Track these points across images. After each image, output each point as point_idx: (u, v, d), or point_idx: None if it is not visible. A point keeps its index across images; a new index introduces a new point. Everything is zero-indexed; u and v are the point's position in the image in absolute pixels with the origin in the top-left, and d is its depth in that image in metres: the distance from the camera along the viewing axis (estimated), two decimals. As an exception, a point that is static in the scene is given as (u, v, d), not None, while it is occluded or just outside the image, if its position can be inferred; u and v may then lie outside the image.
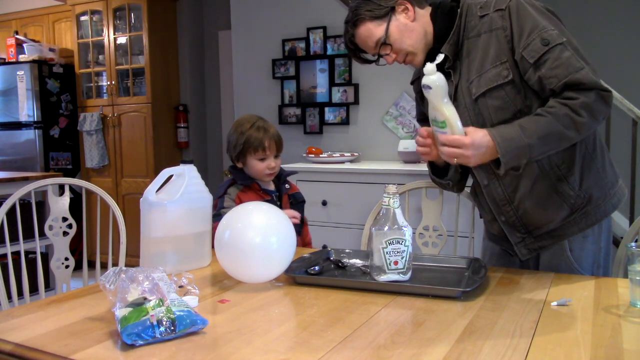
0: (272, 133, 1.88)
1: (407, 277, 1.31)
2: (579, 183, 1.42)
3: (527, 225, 1.49)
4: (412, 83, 1.72)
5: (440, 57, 1.37)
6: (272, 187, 1.93)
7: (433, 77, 1.30)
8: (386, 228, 1.30)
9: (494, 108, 1.40)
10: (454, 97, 1.47)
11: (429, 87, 1.31)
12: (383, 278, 1.30)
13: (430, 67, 1.31)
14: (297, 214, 1.84)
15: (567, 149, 1.39)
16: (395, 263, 1.29)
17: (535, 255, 1.52)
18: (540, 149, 1.32)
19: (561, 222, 1.45)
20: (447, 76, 1.44)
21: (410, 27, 1.45)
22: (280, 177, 1.94)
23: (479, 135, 1.29)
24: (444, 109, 1.31)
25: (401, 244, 1.30)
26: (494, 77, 1.38)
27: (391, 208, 1.33)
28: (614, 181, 1.49)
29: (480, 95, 1.41)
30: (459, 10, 1.44)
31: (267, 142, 1.85)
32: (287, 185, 1.96)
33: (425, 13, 1.47)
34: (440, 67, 1.37)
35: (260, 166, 1.87)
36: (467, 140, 1.29)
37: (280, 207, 1.88)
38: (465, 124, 1.41)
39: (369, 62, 1.56)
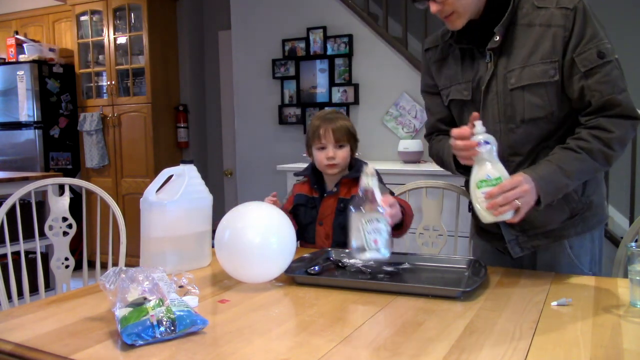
0: (333, 122, 1.78)
1: (387, 254, 1.32)
2: (582, 188, 1.43)
3: (523, 224, 1.45)
4: (426, 50, 1.61)
5: (495, 41, 1.37)
6: (331, 187, 1.81)
7: (488, 133, 1.25)
8: (365, 208, 1.31)
9: (530, 104, 1.38)
10: (488, 82, 1.43)
11: (488, 143, 1.25)
12: (364, 257, 1.32)
13: (481, 126, 1.26)
14: (392, 203, 1.44)
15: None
16: (375, 242, 1.30)
17: (527, 253, 1.52)
18: (575, 184, 1.35)
19: (560, 224, 1.45)
20: (482, 57, 1.43)
21: None
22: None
23: (524, 176, 1.26)
24: (500, 165, 1.26)
25: (380, 222, 1.30)
26: (540, 74, 1.36)
27: (370, 188, 1.32)
28: (606, 192, 1.52)
29: (519, 87, 1.38)
30: None
31: (323, 130, 1.76)
32: (335, 189, 1.79)
33: None
34: (477, 45, 1.40)
35: (320, 156, 1.78)
36: (519, 177, 1.25)
37: (317, 209, 1.79)
38: (492, 112, 1.44)
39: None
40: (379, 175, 1.49)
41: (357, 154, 1.87)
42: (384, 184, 1.74)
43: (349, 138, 1.79)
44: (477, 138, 1.25)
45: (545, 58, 1.35)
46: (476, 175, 1.27)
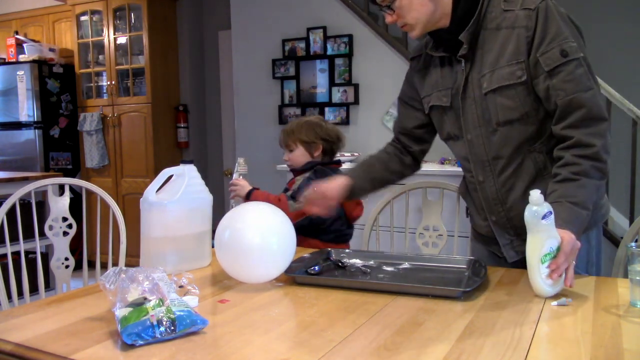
0: (284, 130, 2.11)
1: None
2: None
3: (517, 227, 1.46)
4: (411, 59, 1.64)
5: (464, 48, 1.39)
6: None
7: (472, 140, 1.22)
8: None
9: (502, 107, 1.39)
10: (464, 88, 1.45)
11: (551, 213, 1.19)
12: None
13: (539, 195, 1.20)
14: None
15: None
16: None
17: (522, 257, 1.47)
18: (591, 209, 1.32)
19: None
20: (458, 63, 1.45)
21: (422, 2, 1.40)
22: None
23: (566, 239, 1.23)
24: (555, 231, 1.21)
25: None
26: (507, 76, 1.37)
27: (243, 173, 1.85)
28: (601, 194, 1.49)
29: (490, 91, 1.40)
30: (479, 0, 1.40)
31: (279, 138, 2.12)
32: (287, 186, 2.02)
33: None
34: (452, 52, 1.42)
35: None
36: (564, 236, 1.23)
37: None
38: (472, 117, 1.45)
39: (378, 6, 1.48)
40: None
41: (338, 153, 2.16)
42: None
43: (295, 141, 2.05)
44: (539, 210, 1.19)
45: (511, 60, 1.36)
46: (539, 249, 1.20)
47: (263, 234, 1.32)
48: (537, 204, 1.19)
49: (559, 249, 1.21)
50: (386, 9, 1.43)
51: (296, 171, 2.06)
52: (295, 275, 1.38)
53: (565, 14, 1.37)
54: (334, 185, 1.58)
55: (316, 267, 1.44)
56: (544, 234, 1.20)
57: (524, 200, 1.38)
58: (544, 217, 1.18)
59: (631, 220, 3.05)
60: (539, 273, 1.20)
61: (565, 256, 1.21)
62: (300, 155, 2.05)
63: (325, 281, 1.36)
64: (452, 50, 1.45)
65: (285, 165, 2.00)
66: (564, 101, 1.32)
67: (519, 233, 1.47)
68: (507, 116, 1.39)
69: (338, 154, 2.08)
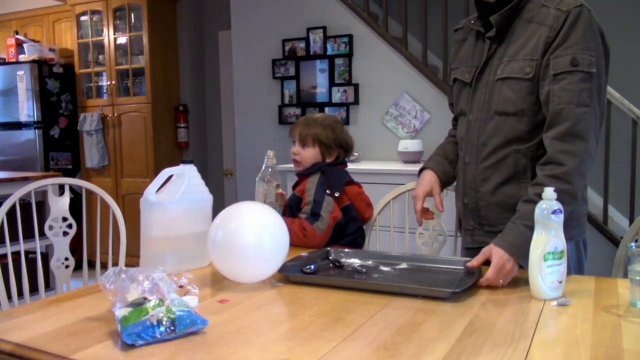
0: (308, 126, 1.91)
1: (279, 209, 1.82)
2: None
3: (482, 217, 1.50)
4: (455, 30, 1.66)
5: (492, 31, 1.41)
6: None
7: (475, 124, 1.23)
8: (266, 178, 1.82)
9: (503, 97, 1.42)
10: (482, 69, 1.47)
11: (562, 212, 1.19)
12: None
13: (551, 191, 1.20)
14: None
15: None
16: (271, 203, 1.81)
17: (478, 247, 1.47)
18: None
19: None
20: (484, 42, 1.47)
21: None
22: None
23: (497, 252, 1.28)
24: (562, 234, 1.21)
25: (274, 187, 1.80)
26: (517, 69, 1.38)
27: (272, 166, 1.83)
28: (582, 212, 1.48)
29: (500, 79, 1.42)
30: None
31: (296, 127, 1.94)
32: (295, 192, 1.91)
33: None
34: (486, 31, 1.43)
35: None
36: (496, 256, 1.27)
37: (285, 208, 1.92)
38: (479, 99, 1.48)
39: None
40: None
41: (347, 160, 2.01)
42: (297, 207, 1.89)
43: (314, 139, 1.89)
44: (549, 205, 1.19)
45: (527, 55, 1.38)
46: (543, 245, 1.20)
47: (256, 233, 1.32)
48: (547, 200, 1.20)
49: (563, 251, 1.21)
50: None
51: (302, 175, 1.92)
52: (289, 274, 1.38)
53: (599, 28, 1.35)
54: (427, 183, 1.59)
55: (312, 266, 1.44)
56: (551, 231, 1.20)
57: (496, 195, 1.46)
58: (553, 212, 1.19)
59: (631, 220, 3.05)
60: (539, 271, 1.20)
61: (496, 271, 1.25)
62: (313, 156, 1.89)
63: (319, 280, 1.36)
64: (486, 29, 1.46)
65: (286, 166, 1.96)
66: (555, 109, 1.32)
67: (483, 224, 1.52)
68: (505, 107, 1.42)
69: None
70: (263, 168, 1.88)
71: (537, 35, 1.36)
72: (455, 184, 1.67)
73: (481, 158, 1.49)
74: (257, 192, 1.87)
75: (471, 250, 1.55)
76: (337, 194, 1.79)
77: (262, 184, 1.85)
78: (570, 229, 1.39)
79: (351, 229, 1.85)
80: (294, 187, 1.94)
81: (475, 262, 1.32)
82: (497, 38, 1.44)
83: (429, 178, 1.61)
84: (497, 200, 1.47)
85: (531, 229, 1.23)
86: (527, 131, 1.41)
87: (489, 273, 1.26)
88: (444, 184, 1.64)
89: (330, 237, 1.77)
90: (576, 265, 1.51)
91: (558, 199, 1.21)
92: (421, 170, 1.67)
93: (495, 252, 1.28)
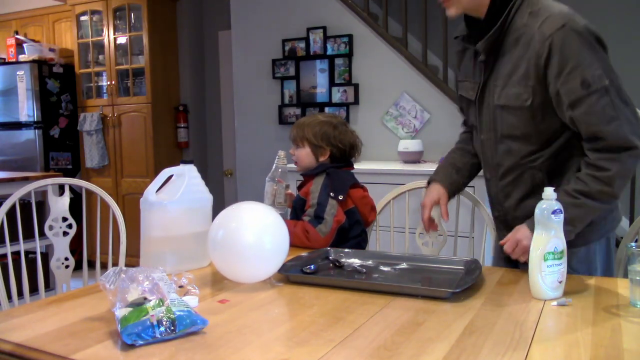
0: (300, 124, 1.94)
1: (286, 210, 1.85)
2: None
3: (512, 228, 1.46)
4: (455, 37, 1.62)
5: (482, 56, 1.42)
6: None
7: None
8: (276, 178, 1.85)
9: (506, 123, 1.42)
10: (481, 92, 1.47)
11: (561, 211, 1.20)
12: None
13: (551, 191, 1.20)
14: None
15: (564, 173, 1.42)
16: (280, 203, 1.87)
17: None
18: (579, 228, 1.35)
19: None
20: (481, 67, 1.45)
21: None
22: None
23: (522, 231, 1.36)
24: (562, 233, 1.21)
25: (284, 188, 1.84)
26: (514, 96, 1.37)
27: (282, 167, 1.84)
28: (614, 206, 1.49)
29: (501, 105, 1.42)
30: (510, 4, 1.36)
31: (291, 130, 1.97)
32: (299, 193, 1.91)
33: None
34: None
35: None
36: (519, 236, 1.36)
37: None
38: (486, 120, 1.49)
39: None
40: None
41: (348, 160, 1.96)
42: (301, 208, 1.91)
43: (304, 139, 1.90)
44: (549, 205, 1.19)
45: (520, 81, 1.36)
46: (543, 245, 1.20)
47: (256, 233, 1.32)
48: (547, 200, 1.20)
49: (563, 252, 1.21)
50: None
51: (306, 175, 1.91)
52: (289, 274, 1.38)
53: (588, 34, 1.30)
54: (435, 193, 1.63)
55: (312, 266, 1.44)
56: (551, 231, 1.20)
57: (519, 209, 1.48)
58: (553, 212, 1.19)
59: (631, 220, 3.05)
60: (539, 270, 1.20)
61: (511, 244, 1.35)
62: (305, 156, 1.90)
63: (319, 280, 1.37)
64: (476, 53, 1.46)
65: (288, 165, 1.95)
66: (587, 131, 1.32)
67: (503, 206, 1.56)
68: (510, 131, 1.42)
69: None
70: (273, 168, 1.88)
71: (525, 59, 1.34)
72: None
73: (499, 176, 1.51)
74: (266, 192, 1.89)
75: (509, 259, 1.49)
76: (341, 197, 1.77)
77: (272, 184, 1.86)
78: (603, 225, 1.43)
79: (354, 232, 1.84)
80: (299, 188, 1.93)
81: (505, 239, 1.39)
82: (489, 60, 1.42)
83: (437, 189, 1.65)
84: (521, 213, 1.47)
85: (569, 222, 1.26)
86: (538, 149, 1.42)
87: (506, 245, 1.37)
88: (452, 193, 1.68)
89: (334, 240, 1.75)
90: (605, 260, 1.49)
91: (597, 198, 1.27)
92: (429, 182, 1.70)
93: (519, 229, 1.36)
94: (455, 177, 1.66)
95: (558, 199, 1.25)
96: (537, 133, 1.39)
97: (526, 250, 1.28)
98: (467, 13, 1.44)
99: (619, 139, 1.29)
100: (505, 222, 1.56)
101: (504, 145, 1.46)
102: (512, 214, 1.52)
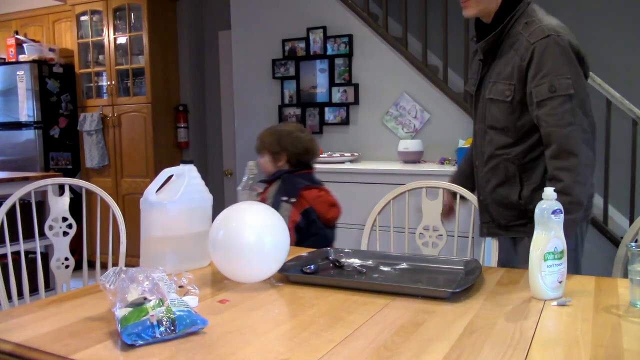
0: (261, 132, 2.15)
1: None
2: (529, 196, 1.61)
3: (491, 214, 1.73)
4: (472, 39, 1.77)
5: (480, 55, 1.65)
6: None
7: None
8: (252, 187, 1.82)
9: (492, 115, 1.64)
10: (478, 86, 1.69)
11: (561, 211, 1.21)
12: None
13: (551, 191, 1.22)
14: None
15: (533, 169, 1.60)
16: None
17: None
18: (572, 237, 1.49)
19: (511, 222, 1.68)
20: (480, 65, 1.67)
21: None
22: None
23: None
24: (562, 233, 1.21)
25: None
26: (500, 92, 1.59)
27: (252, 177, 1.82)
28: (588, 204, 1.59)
29: (488, 98, 1.64)
30: (511, 14, 1.56)
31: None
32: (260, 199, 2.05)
33: None
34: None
35: None
36: None
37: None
38: (479, 112, 1.70)
39: None
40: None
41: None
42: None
43: (263, 148, 2.10)
44: (549, 205, 1.20)
45: (506, 79, 1.57)
46: (543, 245, 1.20)
47: (257, 233, 1.32)
48: (547, 200, 1.20)
49: (563, 252, 1.21)
50: None
51: (266, 182, 2.10)
52: (290, 274, 1.38)
53: (569, 47, 1.48)
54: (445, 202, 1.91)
55: (312, 266, 1.44)
56: (551, 231, 1.20)
57: (494, 195, 1.70)
58: (553, 212, 1.20)
59: (631, 220, 3.05)
60: (539, 270, 1.20)
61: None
62: (266, 163, 2.09)
63: (318, 280, 1.37)
64: (477, 50, 1.67)
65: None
66: (545, 131, 1.51)
67: (494, 219, 1.73)
68: (493, 123, 1.64)
69: (338, 154, 2.13)
70: (245, 179, 1.93)
71: (512, 61, 1.55)
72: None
73: (483, 163, 1.72)
74: (240, 201, 2.00)
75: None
76: (293, 200, 1.95)
77: (246, 193, 1.91)
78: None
79: (313, 230, 1.98)
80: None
81: None
82: (487, 59, 1.64)
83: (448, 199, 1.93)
84: (495, 199, 1.70)
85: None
86: (513, 143, 1.61)
87: None
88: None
89: (296, 239, 1.91)
90: (573, 248, 1.54)
91: (565, 210, 1.25)
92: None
93: None
94: (466, 183, 1.90)
95: None
96: (514, 127, 1.59)
97: None
98: (479, 16, 1.63)
99: (568, 143, 1.46)
100: (485, 207, 1.75)
101: (488, 135, 1.66)
102: (489, 199, 1.72)
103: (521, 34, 1.53)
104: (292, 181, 2.02)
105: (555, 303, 1.17)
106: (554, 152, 1.49)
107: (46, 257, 2.95)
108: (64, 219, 1.94)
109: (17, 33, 5.21)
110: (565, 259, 1.22)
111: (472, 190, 1.87)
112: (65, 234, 1.95)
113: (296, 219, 1.93)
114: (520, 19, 1.55)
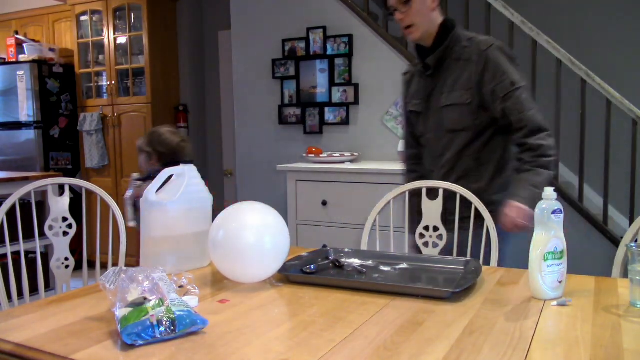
0: None
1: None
2: (487, 187, 1.87)
3: (446, 207, 1.88)
4: (404, 74, 2.11)
5: (430, 70, 1.89)
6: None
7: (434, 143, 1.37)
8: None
9: (450, 119, 1.85)
10: (428, 99, 1.91)
11: (562, 212, 1.22)
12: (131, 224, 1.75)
13: (551, 191, 1.24)
14: None
15: (488, 162, 1.87)
16: None
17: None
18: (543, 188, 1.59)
19: (467, 215, 1.82)
20: (428, 79, 1.91)
21: (429, 11, 1.83)
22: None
23: (520, 207, 1.71)
24: (562, 233, 1.22)
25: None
26: (458, 97, 1.82)
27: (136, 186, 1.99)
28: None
29: (445, 106, 1.85)
30: (450, 35, 1.85)
31: None
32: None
33: (439, 16, 1.86)
34: (426, 70, 1.90)
35: None
36: (520, 208, 1.70)
37: None
38: (432, 122, 1.91)
39: (387, 9, 1.91)
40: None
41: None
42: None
43: (139, 148, 2.36)
44: (549, 205, 1.20)
45: (463, 86, 1.81)
46: (543, 245, 1.21)
47: (257, 233, 1.32)
48: (547, 200, 1.20)
49: (563, 252, 1.21)
50: (400, 6, 1.81)
51: (140, 179, 2.24)
52: (290, 274, 1.38)
53: (507, 51, 1.82)
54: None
55: (312, 266, 1.44)
56: (551, 231, 1.20)
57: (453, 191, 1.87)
58: (553, 212, 1.20)
59: (631, 220, 3.05)
60: (539, 270, 1.20)
61: (514, 215, 1.69)
62: (142, 162, 2.30)
63: (318, 280, 1.37)
64: (426, 69, 1.91)
65: (285, 165, 2.04)
66: (516, 118, 1.76)
67: (449, 213, 1.87)
68: (453, 126, 1.85)
69: (338, 154, 2.16)
70: (131, 192, 2.13)
71: (467, 70, 1.80)
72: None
73: (441, 166, 1.93)
74: (130, 212, 2.13)
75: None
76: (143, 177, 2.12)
77: (130, 205, 2.11)
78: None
79: None
80: None
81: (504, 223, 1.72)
82: (435, 75, 1.88)
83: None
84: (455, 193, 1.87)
85: (535, 187, 1.69)
86: (472, 140, 1.86)
87: (508, 218, 1.71)
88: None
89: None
90: (503, 238, 1.77)
91: (545, 167, 1.70)
92: None
93: (516, 204, 1.70)
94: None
95: (520, 174, 1.74)
96: (473, 126, 1.83)
97: (524, 217, 1.68)
98: (420, 41, 1.87)
99: (535, 124, 1.74)
100: (443, 202, 1.88)
101: (447, 138, 1.87)
102: (448, 194, 1.87)
103: (468, 47, 1.81)
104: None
105: (555, 303, 1.17)
106: (528, 132, 1.75)
107: (46, 257, 2.95)
108: (64, 219, 1.94)
109: (17, 33, 5.21)
110: (565, 259, 1.22)
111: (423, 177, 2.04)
112: (65, 234, 1.95)
113: (138, 195, 2.07)
114: (459, 40, 1.83)
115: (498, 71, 1.77)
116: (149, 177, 2.17)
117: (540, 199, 1.33)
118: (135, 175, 2.15)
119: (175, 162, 2.19)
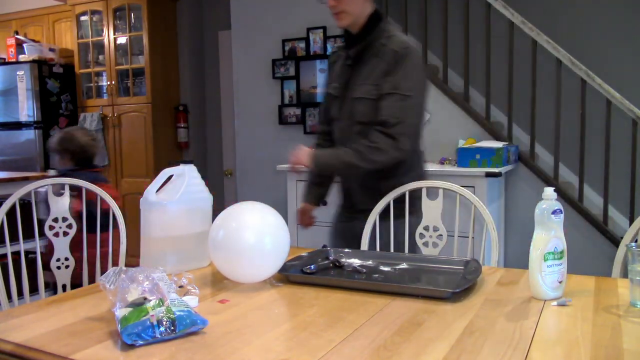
0: None
1: None
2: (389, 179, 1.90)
3: (352, 198, 2.00)
4: (329, 56, 2.18)
5: (350, 61, 1.91)
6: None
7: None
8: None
9: (360, 112, 1.86)
10: (345, 87, 1.92)
11: (561, 212, 1.21)
12: None
13: (551, 192, 1.22)
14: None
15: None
16: None
17: (346, 221, 2.06)
18: (338, 166, 1.85)
19: (370, 206, 1.89)
20: (347, 68, 1.92)
21: (361, 0, 1.83)
22: None
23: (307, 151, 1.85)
24: (562, 233, 1.22)
25: None
26: (367, 91, 1.83)
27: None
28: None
29: (356, 98, 1.87)
30: (376, 27, 1.86)
31: None
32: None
33: (369, 6, 1.86)
34: (348, 57, 1.90)
35: None
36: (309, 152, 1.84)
37: None
38: (345, 110, 1.92)
39: None
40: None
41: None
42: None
43: (53, 151, 2.54)
44: (549, 205, 1.20)
45: (373, 81, 1.82)
46: (543, 245, 1.20)
47: (257, 233, 1.32)
48: (547, 200, 1.20)
49: (563, 252, 1.21)
50: None
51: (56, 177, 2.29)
52: (290, 274, 1.38)
53: (419, 56, 1.86)
54: (302, 209, 2.18)
55: (312, 266, 1.44)
56: (551, 231, 1.20)
57: (359, 181, 1.94)
58: (553, 212, 1.19)
59: (631, 220, 3.05)
60: (539, 270, 1.20)
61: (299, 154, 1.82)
62: (56, 162, 2.45)
63: (318, 280, 1.37)
64: (347, 58, 1.92)
65: (285, 166, 2.04)
66: (379, 119, 1.77)
67: (354, 204, 1.98)
68: (361, 118, 1.86)
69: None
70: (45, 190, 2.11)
71: (379, 67, 1.81)
72: None
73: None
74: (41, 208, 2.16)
75: (343, 223, 2.06)
76: (74, 194, 2.09)
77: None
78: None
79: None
80: None
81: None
82: (354, 65, 1.90)
83: (304, 207, 2.20)
84: (361, 184, 1.94)
85: (338, 158, 1.82)
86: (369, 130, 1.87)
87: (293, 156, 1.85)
88: (320, 201, 2.19)
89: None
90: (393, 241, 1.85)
91: (354, 153, 1.76)
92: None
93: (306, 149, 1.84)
94: (319, 190, 2.16)
95: (341, 147, 1.84)
96: (377, 122, 1.81)
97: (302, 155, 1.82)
98: (348, 28, 1.88)
99: (396, 133, 1.74)
100: (349, 193, 1.99)
101: (357, 128, 1.87)
102: (354, 184, 1.96)
103: (385, 45, 1.82)
104: (74, 177, 2.08)
105: (555, 303, 1.17)
106: (382, 130, 1.78)
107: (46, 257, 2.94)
108: (64, 219, 1.94)
109: (17, 33, 5.21)
110: (565, 259, 1.22)
111: (329, 180, 2.15)
112: (65, 234, 1.95)
113: (78, 208, 2.04)
114: (383, 34, 1.84)
115: (397, 71, 1.78)
116: (63, 175, 2.30)
117: (333, 168, 1.57)
118: (52, 172, 2.27)
119: (86, 160, 2.48)
